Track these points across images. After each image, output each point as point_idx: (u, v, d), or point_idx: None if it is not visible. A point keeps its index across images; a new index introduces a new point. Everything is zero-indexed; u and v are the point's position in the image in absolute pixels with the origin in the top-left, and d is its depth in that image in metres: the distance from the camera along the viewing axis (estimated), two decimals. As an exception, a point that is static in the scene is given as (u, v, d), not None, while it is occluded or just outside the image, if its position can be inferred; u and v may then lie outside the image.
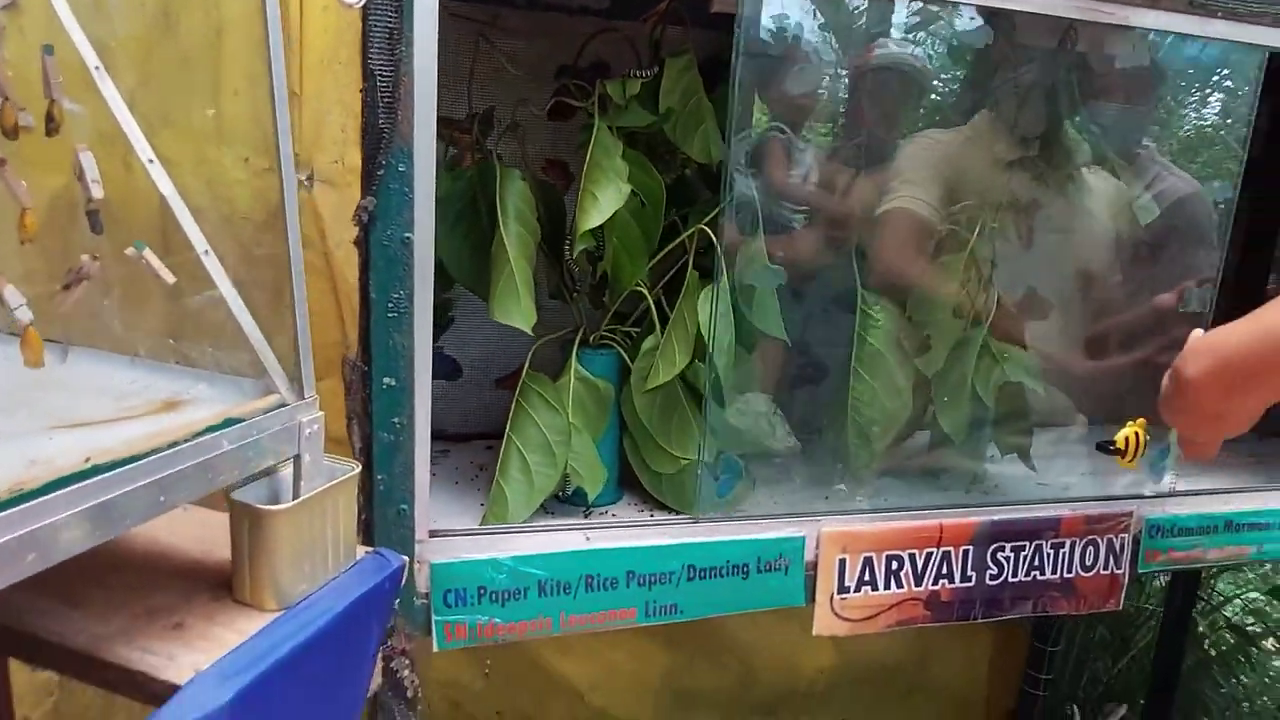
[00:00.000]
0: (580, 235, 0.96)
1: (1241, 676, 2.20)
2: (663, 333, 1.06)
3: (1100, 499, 1.16)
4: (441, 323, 1.19)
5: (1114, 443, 1.02)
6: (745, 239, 1.11)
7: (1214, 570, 2.09)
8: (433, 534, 0.91)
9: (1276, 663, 2.24)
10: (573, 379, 1.07)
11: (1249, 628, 2.29)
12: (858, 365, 1.16)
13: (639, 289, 1.08)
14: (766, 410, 1.25)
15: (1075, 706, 1.80)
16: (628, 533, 0.97)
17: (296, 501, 0.70)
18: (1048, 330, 1.26)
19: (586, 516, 1.07)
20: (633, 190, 1.02)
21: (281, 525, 0.69)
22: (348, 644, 0.75)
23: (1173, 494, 1.18)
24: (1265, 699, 2.21)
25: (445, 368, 1.33)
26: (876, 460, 1.14)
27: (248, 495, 0.71)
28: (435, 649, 0.91)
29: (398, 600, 0.89)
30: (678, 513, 1.05)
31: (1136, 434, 1.02)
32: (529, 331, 0.98)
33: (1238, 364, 0.73)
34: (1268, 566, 2.34)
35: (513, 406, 1.05)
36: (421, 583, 0.90)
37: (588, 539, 0.95)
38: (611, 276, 1.07)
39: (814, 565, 1.03)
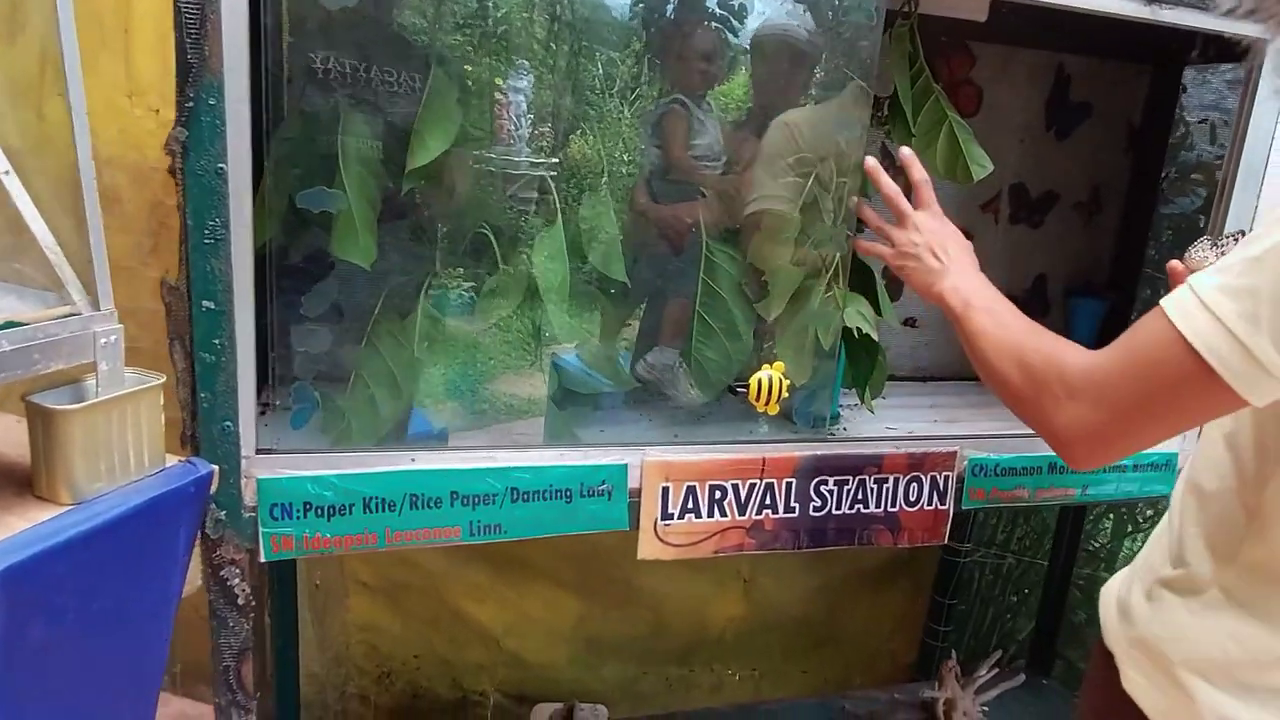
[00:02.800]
0: (406, 174, 1.01)
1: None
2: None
3: (925, 438, 1.23)
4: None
5: (744, 385, 1.09)
6: (591, 183, 1.17)
7: (1098, 518, 2.17)
8: (261, 451, 0.97)
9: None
10: (420, 317, 1.12)
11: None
12: (700, 309, 1.22)
13: (482, 230, 1.14)
14: (669, 363, 1.31)
15: (955, 651, 1.88)
16: (455, 455, 1.03)
17: (86, 404, 0.76)
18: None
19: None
20: (473, 130, 1.07)
21: (71, 425, 0.74)
22: (147, 541, 0.81)
23: (995, 436, 1.25)
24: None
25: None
26: (717, 399, 1.21)
27: (47, 399, 0.76)
28: (262, 559, 0.97)
29: (224, 513, 0.96)
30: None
31: (769, 378, 1.08)
32: (367, 268, 1.04)
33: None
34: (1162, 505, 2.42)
35: (363, 343, 1.11)
36: (249, 496, 0.96)
37: (413, 460, 1.01)
38: (452, 218, 1.12)
39: (638, 493, 1.09)
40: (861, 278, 1.28)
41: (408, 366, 1.11)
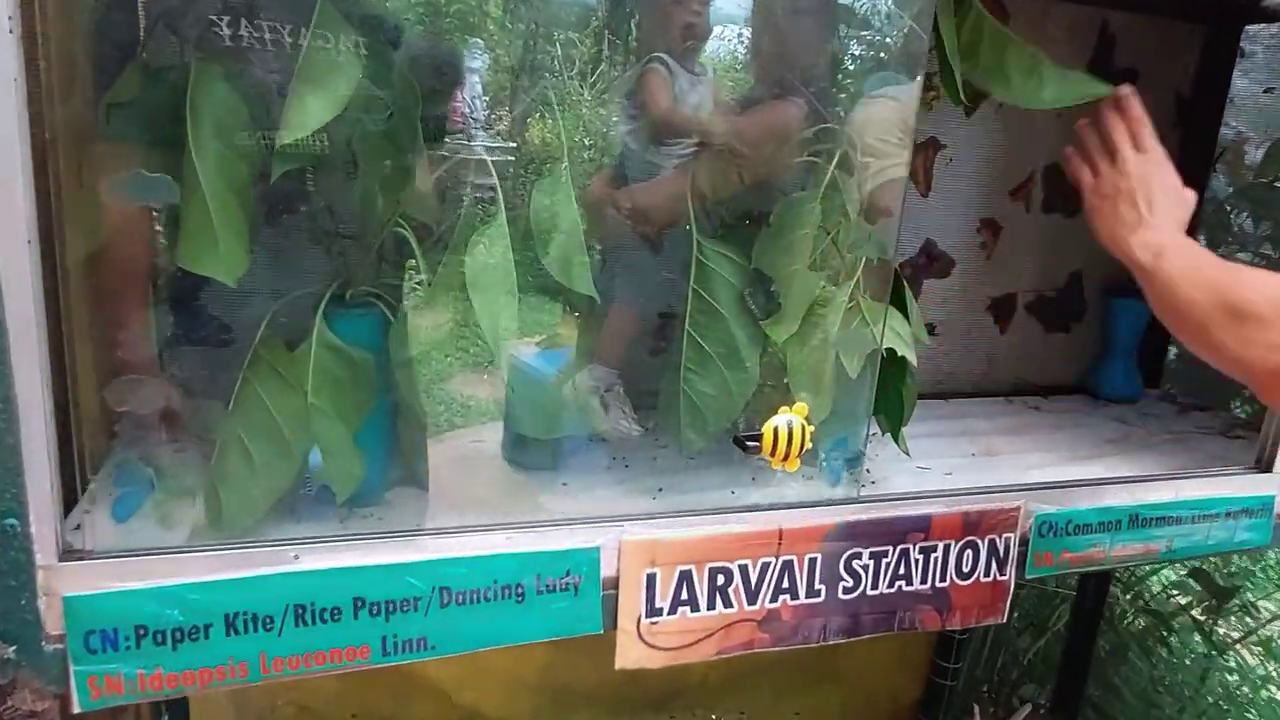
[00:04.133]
0: (277, 153, 0.71)
1: (1160, 655, 2.08)
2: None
3: (982, 491, 0.97)
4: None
5: (756, 436, 0.83)
6: (549, 168, 0.88)
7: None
8: (69, 554, 0.67)
9: (1193, 639, 2.11)
10: (315, 347, 0.83)
11: (1173, 600, 2.16)
12: (691, 328, 0.93)
13: (399, 229, 0.84)
14: (600, 385, 1.03)
15: (976, 705, 1.64)
16: (353, 547, 0.74)
17: None
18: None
19: (343, 524, 0.84)
20: (379, 95, 0.77)
21: None
22: None
23: (1063, 485, 0.99)
24: (1180, 677, 2.09)
25: (209, 331, 1.08)
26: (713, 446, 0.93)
27: None
28: (77, 708, 0.67)
29: (13, 648, 0.65)
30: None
31: (790, 425, 0.82)
32: (231, 284, 0.74)
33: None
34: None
35: (237, 385, 0.81)
36: (52, 622, 0.66)
37: (296, 557, 0.72)
38: (360, 212, 0.83)
39: (614, 582, 0.81)
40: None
41: (297, 416, 0.81)
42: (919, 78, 0.93)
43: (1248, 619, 2.19)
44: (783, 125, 0.97)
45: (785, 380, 0.97)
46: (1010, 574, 0.96)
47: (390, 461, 0.89)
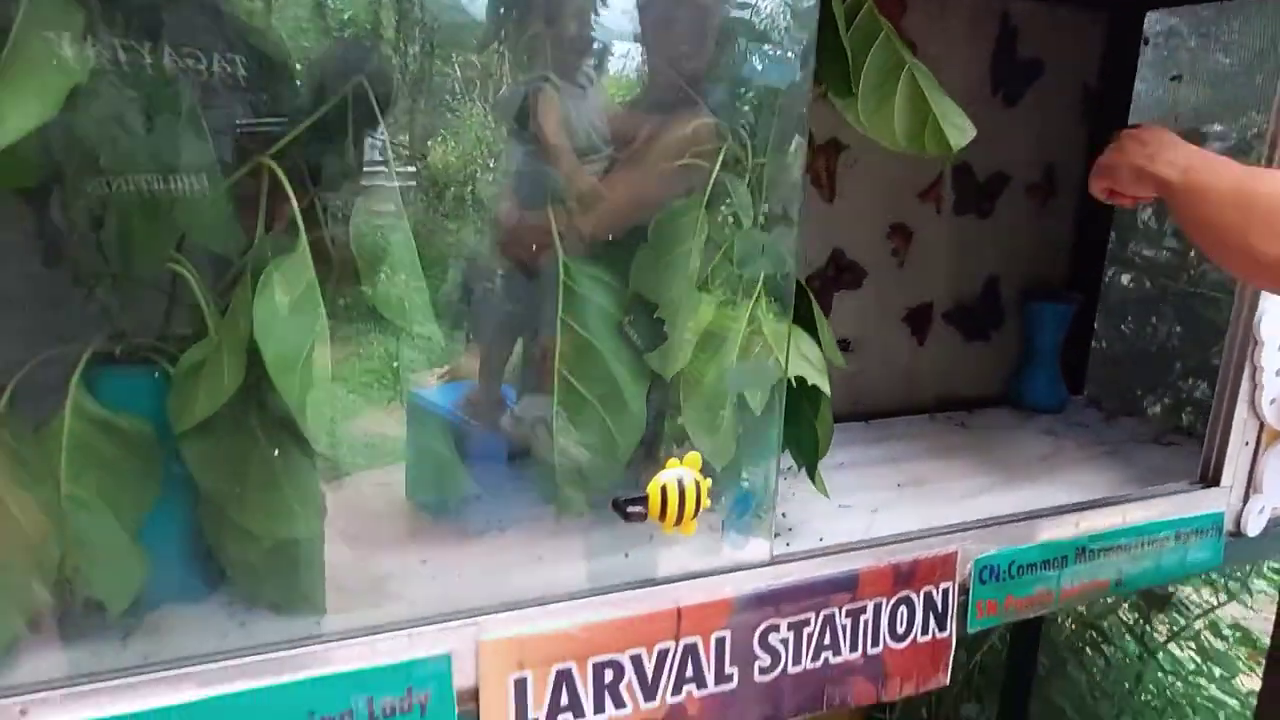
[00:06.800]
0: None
1: (1096, 663, 2.02)
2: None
3: (913, 538, 0.83)
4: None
5: (640, 499, 0.67)
6: (373, 178, 0.71)
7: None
8: None
9: (1126, 641, 2.06)
10: (69, 420, 0.64)
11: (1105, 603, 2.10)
12: (561, 365, 0.78)
13: (177, 267, 0.66)
14: (544, 414, 0.86)
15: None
16: (104, 693, 0.55)
17: None
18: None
19: (125, 638, 0.65)
20: (141, 93, 0.60)
21: None
22: None
23: (1002, 521, 0.87)
24: (1117, 680, 2.03)
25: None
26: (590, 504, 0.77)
27: None
28: None
29: None
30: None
31: (681, 481, 0.68)
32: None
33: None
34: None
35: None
36: None
37: (24, 712, 0.53)
38: (118, 247, 0.64)
39: (474, 694, 0.64)
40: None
41: (49, 515, 0.62)
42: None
43: (1177, 615, 2.15)
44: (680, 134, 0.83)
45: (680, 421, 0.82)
46: (951, 629, 0.83)
47: (201, 560, 0.71)
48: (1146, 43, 1.39)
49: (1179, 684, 2.05)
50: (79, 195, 0.62)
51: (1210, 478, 0.99)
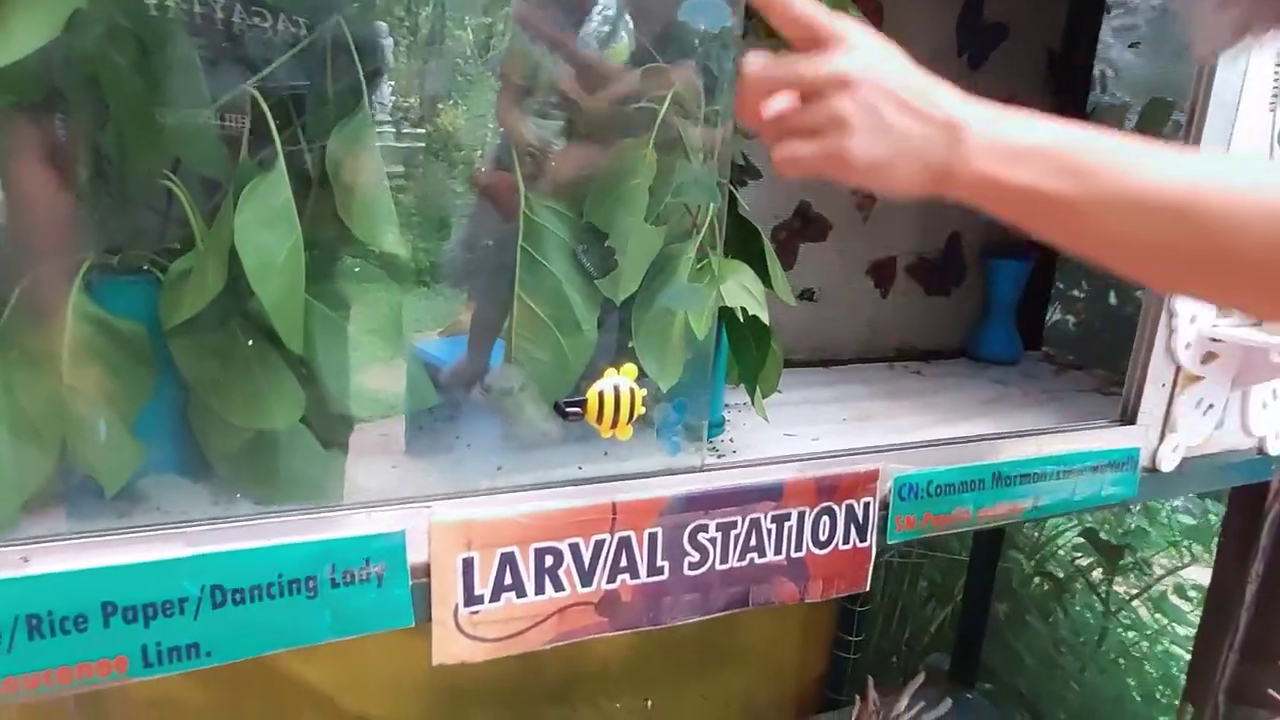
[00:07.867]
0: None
1: (1059, 617, 2.11)
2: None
3: (838, 455, 0.91)
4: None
5: (579, 402, 0.76)
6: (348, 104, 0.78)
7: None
8: None
9: (1092, 599, 2.14)
10: (71, 320, 0.72)
11: (1075, 563, 2.19)
12: (521, 290, 0.85)
13: (169, 180, 0.74)
14: (513, 384, 0.93)
15: (871, 677, 1.61)
16: (105, 544, 0.64)
17: None
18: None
19: (120, 517, 0.74)
20: (126, 25, 0.67)
21: None
22: None
23: (923, 445, 0.94)
24: (1080, 637, 2.12)
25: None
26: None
27: None
28: None
29: None
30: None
31: (616, 388, 0.76)
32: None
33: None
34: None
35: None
36: None
37: (26, 560, 0.62)
38: (115, 159, 0.72)
39: (425, 569, 0.73)
40: (743, 238, 0.94)
41: (51, 402, 0.70)
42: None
43: (1145, 576, 2.23)
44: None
45: (631, 345, 0.90)
46: (871, 540, 0.91)
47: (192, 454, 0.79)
48: (1108, 11, 1.44)
49: (1143, 642, 2.14)
50: (80, 116, 0.70)
51: (1128, 416, 1.06)
